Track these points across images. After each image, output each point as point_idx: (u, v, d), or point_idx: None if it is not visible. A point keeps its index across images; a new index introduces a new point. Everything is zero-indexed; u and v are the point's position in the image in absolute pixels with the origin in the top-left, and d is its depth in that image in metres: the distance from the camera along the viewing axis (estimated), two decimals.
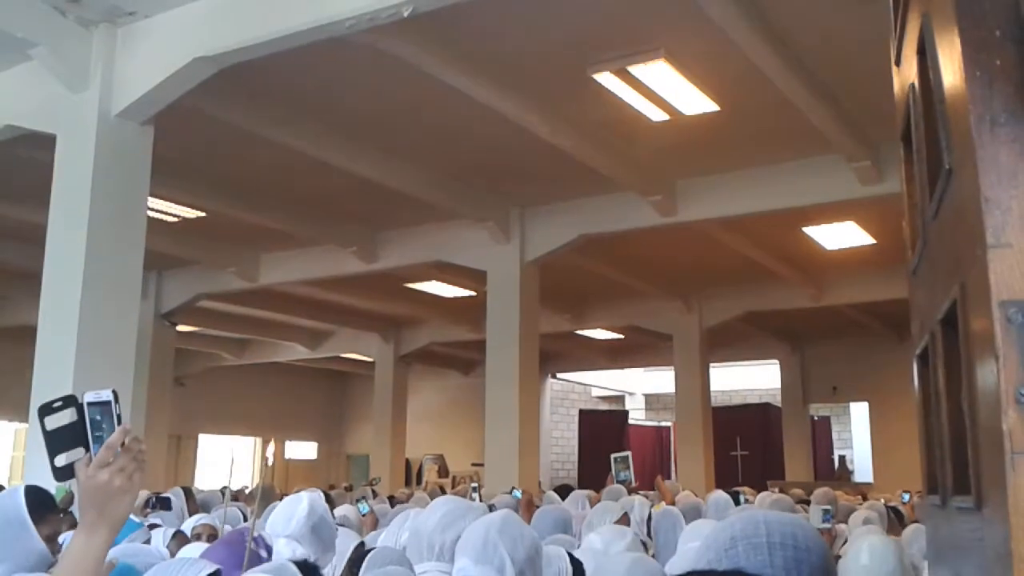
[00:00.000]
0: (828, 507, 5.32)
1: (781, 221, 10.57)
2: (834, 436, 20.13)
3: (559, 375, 21.26)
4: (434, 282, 13.77)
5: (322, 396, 23.14)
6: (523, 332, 10.93)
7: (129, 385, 6.73)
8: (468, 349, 18.05)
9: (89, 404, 1.41)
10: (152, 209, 8.40)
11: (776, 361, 18.74)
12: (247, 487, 12.26)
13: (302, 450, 22.29)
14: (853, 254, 12.13)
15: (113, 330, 6.69)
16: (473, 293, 13.48)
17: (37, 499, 2.59)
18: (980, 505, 0.86)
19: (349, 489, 11.86)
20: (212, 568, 1.77)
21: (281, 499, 9.12)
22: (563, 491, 6.10)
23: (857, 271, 13.08)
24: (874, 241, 11.50)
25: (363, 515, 6.66)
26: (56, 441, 1.42)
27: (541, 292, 11.43)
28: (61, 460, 1.41)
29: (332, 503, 7.85)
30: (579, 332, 17.01)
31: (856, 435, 20.29)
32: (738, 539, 1.33)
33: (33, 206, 8.41)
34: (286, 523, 3.11)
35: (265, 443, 21.65)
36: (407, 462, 18.68)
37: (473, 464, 18.10)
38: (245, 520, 5.41)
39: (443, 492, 11.23)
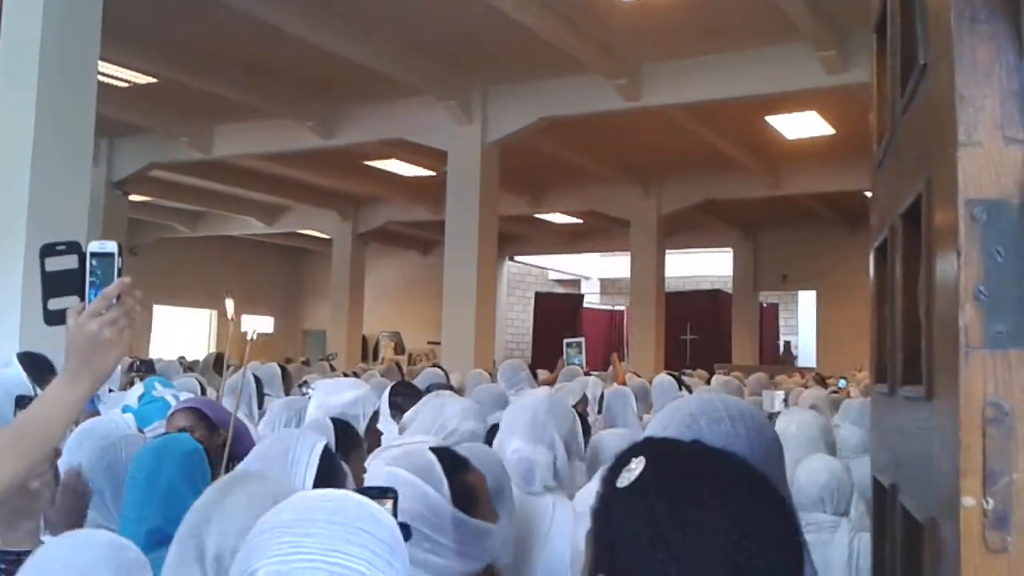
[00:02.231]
0: (783, 392, 5.50)
1: (745, 109, 10.54)
2: (781, 322, 20.66)
3: (516, 258, 21.37)
4: (394, 160, 13.60)
5: (279, 272, 23.06)
6: (482, 214, 10.92)
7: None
8: (427, 229, 18.00)
9: (91, 254, 1.38)
10: (102, 74, 8.12)
11: (729, 249, 19.01)
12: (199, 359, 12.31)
13: (259, 324, 22.32)
14: (812, 144, 12.19)
15: (64, 196, 6.57)
16: (433, 173, 13.35)
17: (34, 363, 2.57)
18: (931, 396, 0.90)
19: (306, 363, 11.99)
20: (324, 441, 1.77)
21: (230, 368, 9.12)
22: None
23: (815, 161, 13.16)
24: (833, 131, 11.55)
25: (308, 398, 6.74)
26: (52, 284, 1.39)
27: (501, 174, 11.36)
28: (54, 304, 1.39)
29: (289, 378, 7.94)
30: (538, 215, 17.02)
31: (802, 322, 20.85)
32: (697, 415, 1.38)
33: None
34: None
35: (220, 314, 21.65)
36: (364, 339, 18.85)
37: (429, 342, 18.33)
38: (203, 391, 5.44)
39: (399, 368, 11.40)
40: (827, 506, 2.47)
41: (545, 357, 14.44)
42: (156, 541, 1.81)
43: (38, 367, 2.53)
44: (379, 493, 1.38)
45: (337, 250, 17.95)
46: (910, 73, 1.08)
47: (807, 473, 2.54)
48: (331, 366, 11.37)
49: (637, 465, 0.90)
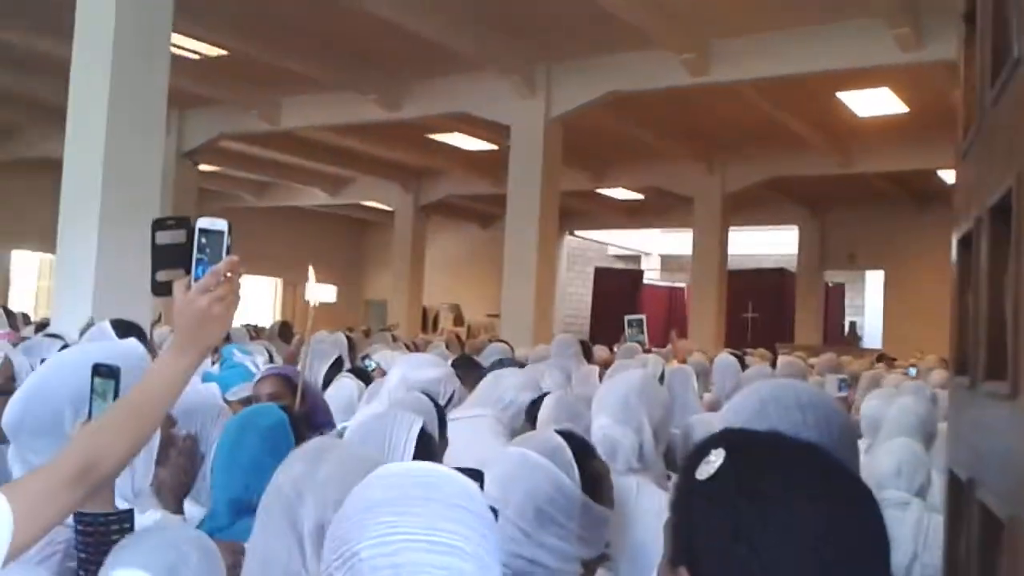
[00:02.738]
0: (844, 376, 5.42)
1: (815, 85, 10.32)
2: (847, 303, 20.28)
3: (576, 232, 21.29)
4: (456, 134, 13.63)
5: (342, 242, 23.33)
6: (544, 189, 10.90)
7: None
8: (487, 202, 18.03)
9: (201, 230, 1.42)
10: (174, 46, 8.27)
11: (794, 227, 18.69)
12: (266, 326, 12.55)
13: (322, 293, 22.65)
14: (885, 122, 11.89)
15: (138, 165, 6.74)
16: (495, 147, 13.35)
17: (128, 331, 2.62)
18: (1016, 393, 0.89)
19: (367, 333, 12.14)
20: (421, 422, 1.80)
21: (294, 338, 9.26)
22: (583, 346, 6.22)
23: (887, 139, 12.84)
24: (907, 109, 11.25)
25: (371, 370, 6.83)
26: (161, 257, 1.44)
27: (563, 148, 11.32)
28: (162, 276, 1.44)
29: (354, 346, 8.06)
30: (599, 191, 16.92)
31: (869, 303, 20.44)
32: (768, 401, 1.38)
33: (57, 39, 8.30)
34: None
35: (287, 283, 21.98)
36: (424, 310, 19.01)
37: (488, 315, 18.42)
38: (271, 358, 5.56)
39: (459, 340, 11.49)
40: (901, 483, 2.47)
41: (603, 333, 14.42)
42: (238, 511, 1.87)
43: (131, 335, 2.58)
44: (470, 474, 1.40)
45: (399, 222, 18.10)
46: (1002, 65, 1.06)
47: (886, 451, 2.55)
48: (393, 336, 11.50)
49: (716, 457, 0.90)
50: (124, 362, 1.55)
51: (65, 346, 3.31)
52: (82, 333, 5.23)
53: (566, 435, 1.66)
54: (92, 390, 1.83)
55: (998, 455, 0.96)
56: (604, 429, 2.37)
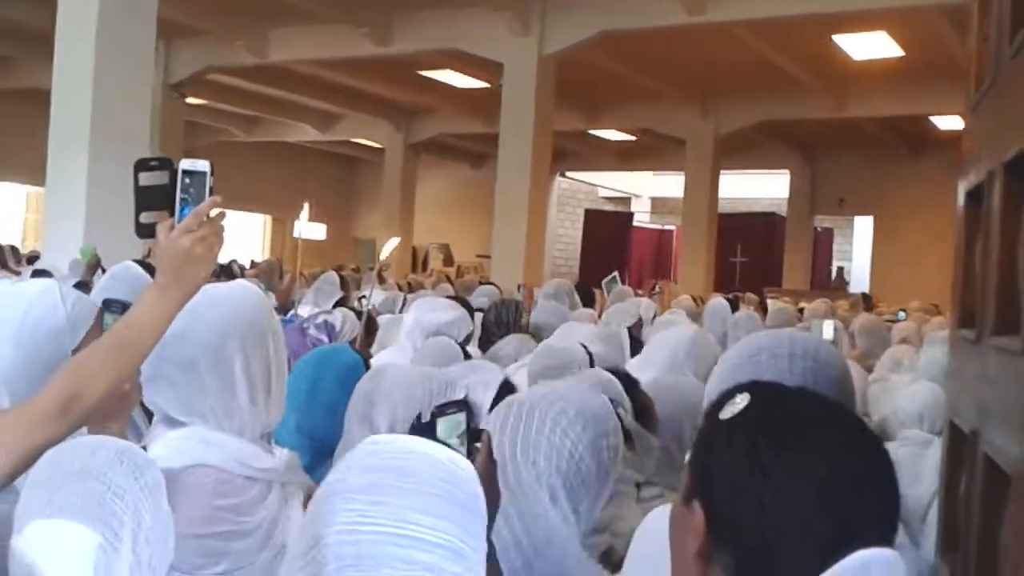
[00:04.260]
0: (839, 324, 5.46)
1: (811, 27, 10.22)
2: (835, 248, 20.35)
3: (567, 174, 21.19)
4: (448, 71, 13.44)
5: (331, 179, 23.14)
6: (537, 129, 10.81)
7: (144, 153, 6.76)
8: (479, 142, 17.88)
9: (184, 171, 1.42)
10: None
11: (785, 171, 18.65)
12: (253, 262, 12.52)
13: (311, 231, 22.56)
14: (880, 66, 11.79)
15: (127, 97, 6.67)
16: (487, 85, 13.19)
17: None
18: None
19: (356, 271, 12.15)
20: (464, 395, 1.83)
21: (283, 277, 9.24)
22: (580, 290, 6.23)
23: (882, 84, 12.75)
24: (903, 53, 11.16)
25: (368, 308, 6.84)
26: (145, 198, 1.44)
27: (556, 88, 11.20)
28: (146, 218, 1.44)
29: (347, 284, 8.05)
30: (591, 132, 16.79)
31: (857, 248, 20.52)
32: (763, 349, 1.42)
33: None
34: None
35: (275, 220, 21.86)
36: (413, 249, 18.97)
37: (478, 255, 18.40)
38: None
39: (449, 280, 11.51)
40: (924, 425, 2.58)
41: (593, 275, 14.45)
42: (319, 452, 1.86)
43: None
44: (455, 407, 1.43)
45: (389, 160, 17.95)
46: (1023, 20, 1.05)
47: (911, 394, 2.65)
48: (380, 277, 11.50)
49: (742, 400, 0.93)
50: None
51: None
52: (92, 270, 5.20)
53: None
54: (104, 326, 1.84)
55: (1006, 410, 0.98)
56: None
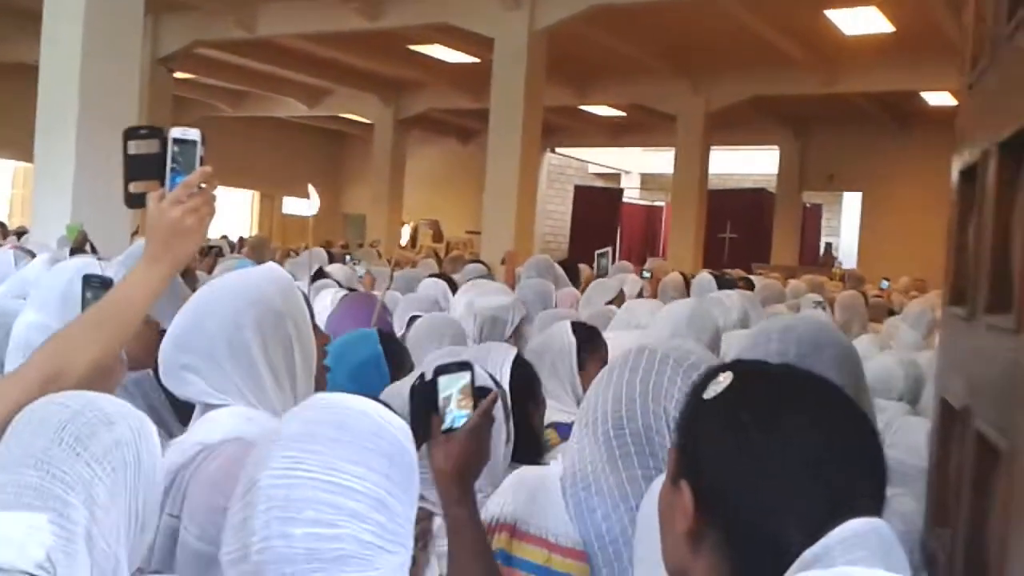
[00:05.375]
0: (819, 299, 5.51)
1: (803, 1, 10.20)
2: (823, 223, 20.40)
3: (557, 149, 21.13)
4: (437, 45, 13.35)
5: (320, 154, 23.02)
6: (527, 104, 10.77)
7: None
8: (468, 117, 17.79)
9: (174, 140, 1.39)
10: None
11: (775, 147, 18.64)
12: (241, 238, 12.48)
13: (299, 206, 22.46)
14: (870, 41, 11.78)
15: (115, 71, 6.62)
16: (478, 60, 13.11)
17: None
18: (1021, 327, 0.92)
19: (345, 247, 12.14)
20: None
21: (276, 253, 9.21)
22: (566, 266, 6.22)
23: (872, 59, 12.74)
24: (894, 29, 11.15)
25: (360, 277, 6.86)
26: (134, 168, 1.41)
27: (546, 63, 11.14)
28: (135, 187, 1.41)
29: (334, 260, 8.06)
30: (582, 107, 16.73)
31: (845, 224, 20.57)
32: (764, 332, 1.44)
33: None
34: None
35: (264, 196, 21.73)
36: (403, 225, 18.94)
37: (468, 232, 18.37)
38: None
39: (437, 256, 11.50)
40: (892, 394, 2.62)
41: (583, 251, 14.45)
42: None
43: None
44: (457, 367, 1.44)
45: (378, 135, 17.86)
46: (1020, 0, 1.06)
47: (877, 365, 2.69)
48: (378, 252, 11.55)
49: (724, 379, 0.93)
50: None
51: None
52: (80, 247, 5.17)
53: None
54: (84, 302, 1.82)
55: (998, 388, 0.99)
56: None
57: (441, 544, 1.48)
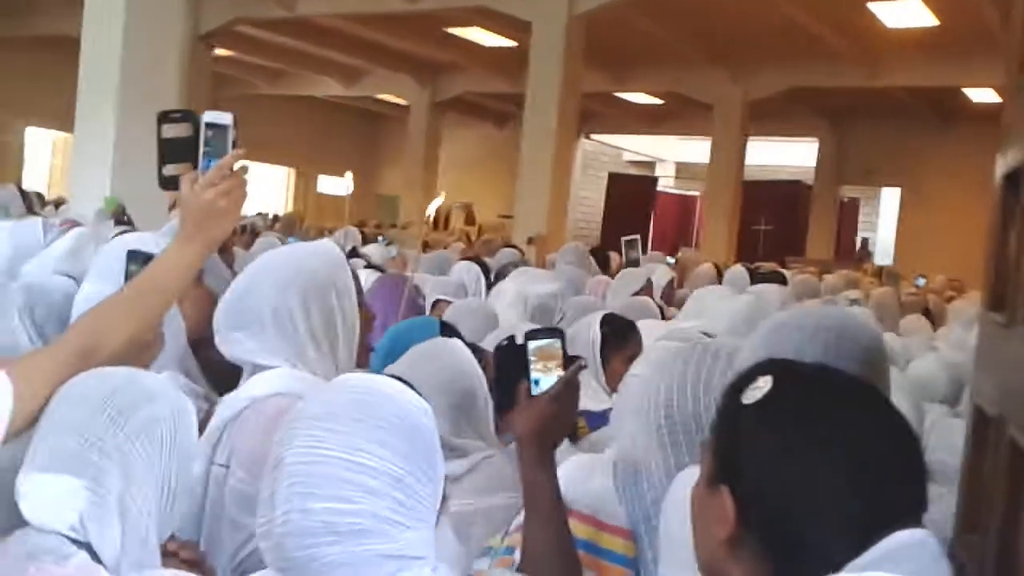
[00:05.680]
0: (856, 297, 5.47)
1: None
2: (861, 219, 20.16)
3: (592, 136, 21.03)
4: (475, 28, 13.33)
5: (355, 135, 23.10)
6: (564, 90, 10.72)
7: (173, 103, 6.77)
8: (504, 101, 17.75)
9: (207, 124, 1.42)
10: None
11: (813, 139, 18.43)
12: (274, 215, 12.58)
13: (334, 185, 22.59)
14: (913, 34, 11.59)
15: (156, 47, 6.69)
16: (515, 44, 13.07)
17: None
18: None
19: (379, 227, 12.20)
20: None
21: (310, 232, 9.26)
22: (596, 254, 6.21)
23: (915, 53, 12.54)
24: (938, 22, 10.96)
25: (392, 257, 6.89)
26: (168, 150, 1.45)
27: (584, 48, 11.09)
28: (169, 170, 1.46)
29: (366, 240, 8.12)
30: (618, 94, 16.63)
31: (883, 219, 20.31)
32: (787, 323, 1.43)
33: None
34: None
35: (300, 174, 21.79)
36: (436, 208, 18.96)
37: (500, 216, 18.37)
38: None
39: (469, 240, 11.51)
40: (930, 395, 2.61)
41: (615, 240, 14.40)
42: None
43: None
44: (547, 334, 1.46)
45: (413, 117, 17.88)
46: None
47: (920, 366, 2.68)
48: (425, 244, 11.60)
49: (764, 383, 0.92)
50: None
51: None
52: (118, 220, 5.24)
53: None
54: (127, 277, 1.85)
55: None
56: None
57: (451, 505, 1.56)
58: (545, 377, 1.42)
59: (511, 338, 1.53)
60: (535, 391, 1.41)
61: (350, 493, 1.06)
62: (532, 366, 1.42)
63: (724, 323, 2.47)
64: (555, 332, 1.46)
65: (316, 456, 1.08)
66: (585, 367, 1.53)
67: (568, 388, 1.43)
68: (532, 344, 1.43)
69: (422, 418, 1.15)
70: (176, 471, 1.25)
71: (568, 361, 1.44)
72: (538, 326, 1.54)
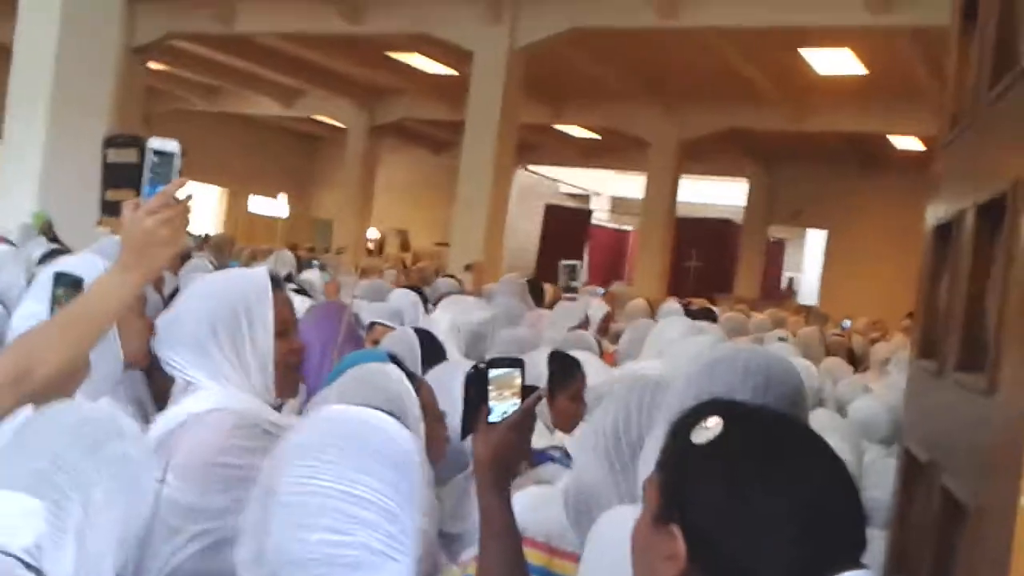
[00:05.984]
0: (783, 335, 5.59)
1: (780, 39, 10.36)
2: (785, 259, 20.67)
3: (529, 167, 21.18)
4: (416, 55, 13.36)
5: (291, 156, 22.87)
6: (503, 120, 10.80)
7: (104, 118, 6.63)
8: (442, 128, 17.79)
9: (153, 150, 1.40)
10: None
11: (744, 179, 18.87)
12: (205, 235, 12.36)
13: (268, 206, 22.28)
14: (842, 82, 12.00)
15: (90, 59, 6.55)
16: (455, 72, 13.14)
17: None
18: (993, 390, 0.94)
19: (312, 251, 12.08)
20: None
21: (243, 253, 9.11)
22: (531, 284, 6.23)
23: (843, 100, 12.97)
24: (866, 72, 11.36)
25: (326, 283, 6.81)
26: (112, 175, 1.44)
27: (523, 79, 11.20)
28: (112, 196, 1.44)
29: (300, 264, 8.01)
30: (556, 126, 16.81)
31: (808, 260, 20.85)
32: (719, 362, 1.45)
33: None
34: None
35: (232, 194, 21.48)
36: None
37: (436, 243, 18.34)
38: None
39: (404, 266, 11.47)
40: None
41: (550, 270, 14.48)
42: None
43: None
44: (510, 363, 1.48)
45: (351, 140, 17.78)
46: (1004, 69, 1.09)
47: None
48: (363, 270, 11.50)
49: (715, 425, 0.94)
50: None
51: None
52: (46, 236, 5.08)
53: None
54: (54, 300, 1.81)
55: (967, 446, 1.01)
56: None
57: None
58: (500, 405, 1.45)
59: (476, 366, 1.56)
60: (492, 419, 1.44)
61: (347, 525, 1.08)
62: (491, 394, 1.45)
63: (685, 364, 2.49)
64: (516, 362, 1.49)
65: (311, 487, 1.10)
66: (543, 397, 1.59)
67: (524, 417, 1.46)
68: (492, 372, 1.47)
69: (409, 448, 1.17)
70: (136, 512, 1.24)
71: (526, 391, 1.47)
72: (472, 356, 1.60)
